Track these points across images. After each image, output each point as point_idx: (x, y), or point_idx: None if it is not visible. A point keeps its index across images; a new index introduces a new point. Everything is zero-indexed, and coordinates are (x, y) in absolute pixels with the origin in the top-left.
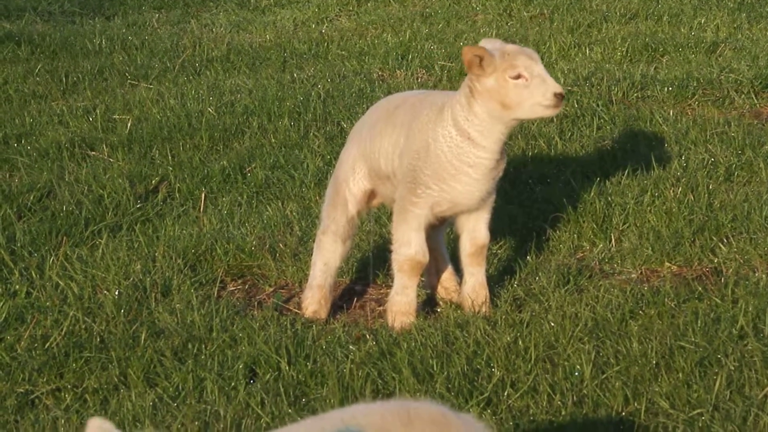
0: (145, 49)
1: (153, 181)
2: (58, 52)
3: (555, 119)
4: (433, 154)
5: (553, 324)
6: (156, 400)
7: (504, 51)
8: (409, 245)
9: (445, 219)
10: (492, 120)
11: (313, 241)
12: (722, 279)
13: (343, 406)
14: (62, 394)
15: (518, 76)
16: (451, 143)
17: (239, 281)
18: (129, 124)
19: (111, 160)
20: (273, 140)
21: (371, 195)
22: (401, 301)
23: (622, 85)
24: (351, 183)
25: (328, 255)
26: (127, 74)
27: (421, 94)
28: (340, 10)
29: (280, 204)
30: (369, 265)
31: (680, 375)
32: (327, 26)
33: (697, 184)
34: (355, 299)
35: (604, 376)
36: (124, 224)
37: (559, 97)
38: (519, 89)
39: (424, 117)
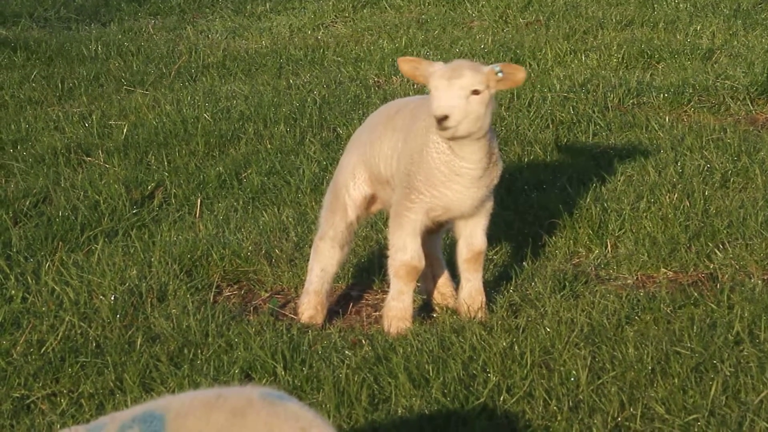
0: (141, 55)
1: (149, 187)
2: (54, 58)
3: (551, 125)
4: (425, 159)
5: (549, 329)
6: None
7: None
8: (404, 250)
9: (442, 224)
10: None
11: (309, 247)
12: (718, 285)
13: (339, 411)
14: (58, 398)
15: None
16: (440, 149)
17: (235, 286)
18: (125, 130)
19: (107, 165)
20: (269, 146)
21: (371, 200)
22: (397, 307)
23: (617, 92)
24: (351, 188)
25: (325, 261)
26: (123, 80)
27: (422, 99)
28: (336, 16)
29: (276, 210)
30: (369, 270)
31: (676, 380)
32: (323, 32)
33: (693, 190)
34: (351, 304)
35: (600, 381)
36: (120, 230)
37: (436, 120)
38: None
39: (421, 122)
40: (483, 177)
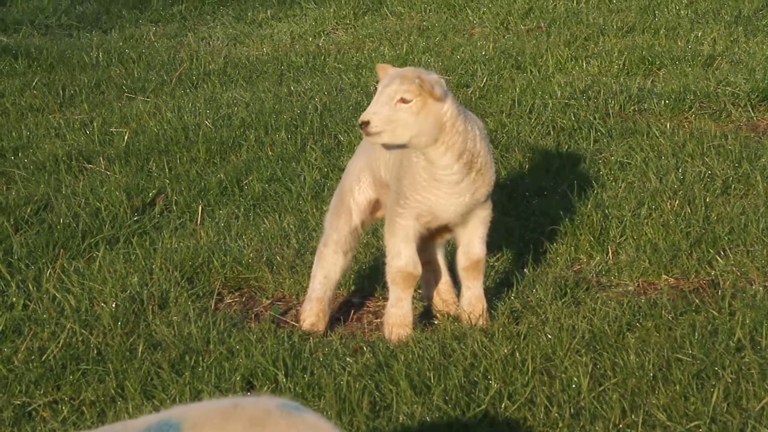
0: (142, 63)
1: (150, 194)
2: (55, 65)
3: (552, 132)
4: (411, 163)
5: (550, 336)
6: (153, 412)
7: None
8: (399, 257)
9: (437, 231)
10: None
11: (311, 254)
12: (719, 291)
13: (340, 418)
14: (59, 406)
15: None
16: (418, 154)
17: (236, 293)
18: (126, 137)
19: (108, 172)
20: (270, 153)
21: (375, 205)
22: (396, 314)
23: (619, 98)
24: (356, 192)
25: (328, 267)
26: (124, 87)
27: None
28: (337, 23)
29: (277, 217)
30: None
31: (677, 387)
32: (324, 39)
33: (694, 196)
34: (353, 311)
35: (602, 388)
36: (121, 237)
37: (361, 125)
38: None
39: None
40: (463, 183)
